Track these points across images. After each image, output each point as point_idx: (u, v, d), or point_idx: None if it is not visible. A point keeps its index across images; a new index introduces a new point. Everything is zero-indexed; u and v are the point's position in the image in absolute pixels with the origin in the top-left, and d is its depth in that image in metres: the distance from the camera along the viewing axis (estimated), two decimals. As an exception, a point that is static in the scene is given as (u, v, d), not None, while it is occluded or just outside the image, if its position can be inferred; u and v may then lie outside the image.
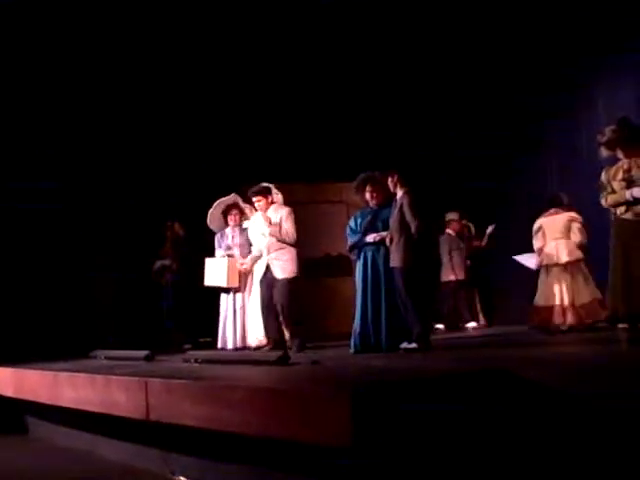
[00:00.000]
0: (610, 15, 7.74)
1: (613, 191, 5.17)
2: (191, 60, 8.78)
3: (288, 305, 6.51)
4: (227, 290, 7.39)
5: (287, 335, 6.67)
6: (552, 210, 7.08)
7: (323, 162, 9.05)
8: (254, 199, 6.82)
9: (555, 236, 6.99)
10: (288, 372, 4.38)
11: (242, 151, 9.18)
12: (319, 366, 4.66)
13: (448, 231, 9.59)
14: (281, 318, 6.60)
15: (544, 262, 7.04)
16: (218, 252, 7.51)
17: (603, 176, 5.27)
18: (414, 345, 5.51)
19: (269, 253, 6.69)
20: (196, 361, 5.42)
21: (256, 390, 3.41)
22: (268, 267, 6.67)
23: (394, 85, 9.31)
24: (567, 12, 8.19)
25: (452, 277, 9.42)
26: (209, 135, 9.04)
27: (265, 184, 6.87)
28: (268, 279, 6.66)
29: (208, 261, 7.47)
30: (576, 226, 6.89)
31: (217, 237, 7.58)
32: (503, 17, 8.50)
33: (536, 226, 7.17)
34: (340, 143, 9.17)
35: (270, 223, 6.65)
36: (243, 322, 7.29)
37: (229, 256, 7.41)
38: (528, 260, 7.43)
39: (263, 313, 6.76)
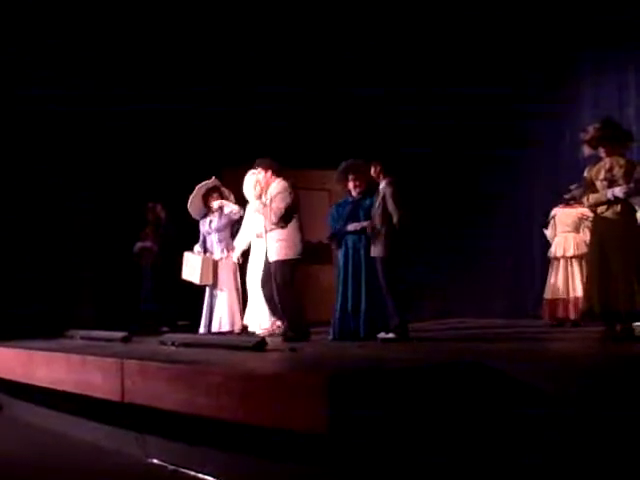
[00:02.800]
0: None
1: (595, 190, 5.19)
2: (174, 39, 8.69)
3: (278, 289, 6.12)
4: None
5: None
6: (569, 202, 7.11)
7: (306, 149, 9.00)
8: (251, 171, 6.61)
9: (565, 229, 7.08)
10: (265, 358, 4.38)
11: (226, 135, 9.12)
12: (297, 353, 4.66)
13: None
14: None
15: (552, 254, 7.13)
16: (196, 247, 7.41)
17: (586, 174, 5.29)
18: (392, 335, 5.54)
19: (267, 232, 6.26)
20: (173, 344, 5.41)
21: (232, 375, 3.40)
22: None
23: (379, 70, 9.27)
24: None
25: None
26: (194, 118, 8.97)
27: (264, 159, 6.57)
28: (267, 259, 6.30)
29: (186, 255, 7.39)
30: (586, 224, 6.90)
31: (200, 224, 7.51)
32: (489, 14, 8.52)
33: (551, 214, 7.26)
34: (325, 130, 9.13)
35: (260, 202, 6.32)
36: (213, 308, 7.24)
37: (204, 249, 7.37)
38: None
39: (265, 296, 6.52)
